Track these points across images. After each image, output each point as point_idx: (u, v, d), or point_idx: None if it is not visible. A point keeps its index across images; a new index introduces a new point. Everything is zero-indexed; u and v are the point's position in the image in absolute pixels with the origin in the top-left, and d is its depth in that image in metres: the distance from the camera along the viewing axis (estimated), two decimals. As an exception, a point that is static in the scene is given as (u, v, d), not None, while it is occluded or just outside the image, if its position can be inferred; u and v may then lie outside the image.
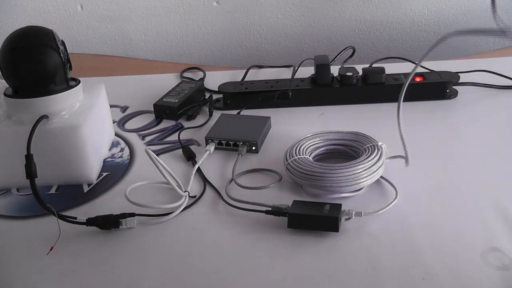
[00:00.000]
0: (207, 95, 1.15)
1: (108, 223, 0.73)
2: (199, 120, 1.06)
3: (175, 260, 0.68)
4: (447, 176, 0.81)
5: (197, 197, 0.80)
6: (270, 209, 0.73)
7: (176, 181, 0.82)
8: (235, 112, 1.05)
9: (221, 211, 0.77)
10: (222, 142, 0.92)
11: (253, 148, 0.91)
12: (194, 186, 0.83)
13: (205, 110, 1.10)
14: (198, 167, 0.87)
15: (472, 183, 0.78)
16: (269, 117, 0.99)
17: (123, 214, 0.73)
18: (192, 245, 0.71)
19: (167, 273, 0.66)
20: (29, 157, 0.74)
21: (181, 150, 0.94)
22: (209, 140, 0.93)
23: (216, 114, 1.04)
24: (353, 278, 0.63)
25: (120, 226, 0.73)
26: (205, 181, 0.84)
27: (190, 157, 0.90)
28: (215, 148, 0.93)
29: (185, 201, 0.78)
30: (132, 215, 0.74)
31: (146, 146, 0.97)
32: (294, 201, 0.74)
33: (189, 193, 0.80)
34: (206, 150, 0.91)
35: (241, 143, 0.91)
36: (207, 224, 0.75)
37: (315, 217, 0.70)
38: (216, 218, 0.76)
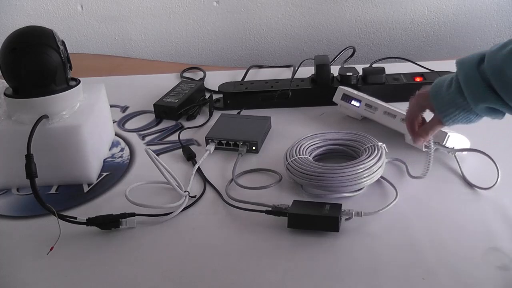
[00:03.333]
0: (207, 95, 1.15)
1: (108, 223, 0.73)
2: (199, 120, 1.06)
3: (175, 259, 0.68)
4: (446, 175, 0.81)
5: (197, 197, 0.80)
6: (270, 209, 0.73)
7: (176, 181, 0.82)
8: (235, 112, 1.05)
9: (221, 211, 0.77)
10: (222, 142, 0.92)
11: (253, 148, 0.91)
12: (194, 186, 0.83)
13: (205, 110, 1.09)
14: (198, 167, 0.87)
15: (470, 181, 0.79)
16: (269, 117, 0.99)
17: (123, 214, 0.73)
18: (192, 245, 0.71)
19: (167, 273, 0.66)
20: (29, 157, 0.74)
21: (181, 150, 0.94)
22: (209, 140, 0.93)
23: (216, 114, 1.04)
24: (353, 278, 0.63)
25: (120, 226, 0.73)
26: (205, 181, 0.84)
27: (190, 157, 0.90)
28: (215, 148, 0.92)
29: (185, 201, 0.78)
30: (132, 215, 0.74)
31: (146, 146, 0.97)
32: (294, 201, 0.74)
33: (189, 193, 0.80)
34: (206, 150, 0.91)
35: (241, 143, 0.91)
36: (207, 224, 0.75)
37: (315, 217, 0.70)
38: (216, 218, 0.76)
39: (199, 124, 1.04)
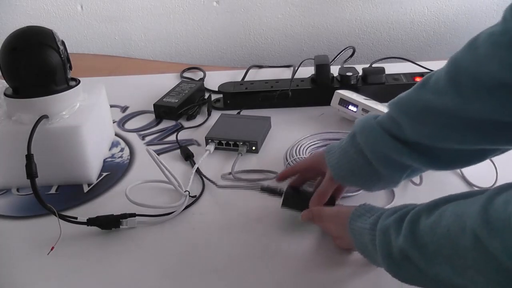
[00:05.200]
0: (207, 95, 1.15)
1: (109, 223, 0.73)
2: (200, 120, 1.06)
3: (175, 259, 0.68)
4: (445, 176, 0.81)
5: (196, 196, 0.80)
6: (265, 187, 0.74)
7: (177, 181, 0.82)
8: (235, 112, 1.05)
9: (217, 210, 0.77)
10: (222, 142, 0.92)
11: (253, 148, 0.91)
12: (193, 186, 0.83)
13: (204, 110, 1.09)
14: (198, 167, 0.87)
15: (471, 182, 0.79)
16: (269, 117, 0.99)
17: (124, 215, 0.73)
18: (192, 245, 0.71)
19: (167, 272, 0.66)
20: (29, 157, 0.74)
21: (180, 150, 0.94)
22: (209, 140, 0.93)
23: (216, 114, 1.04)
24: (353, 278, 0.63)
25: (121, 226, 0.73)
26: (203, 180, 0.84)
27: (188, 157, 0.90)
28: (215, 148, 0.93)
29: (185, 201, 0.78)
30: (133, 215, 0.73)
31: (147, 146, 0.97)
32: (289, 185, 0.75)
33: (189, 193, 0.80)
34: (206, 150, 0.91)
35: (241, 143, 0.91)
36: (206, 223, 0.75)
37: (310, 195, 0.70)
38: (214, 218, 0.76)
39: (198, 124, 1.04)
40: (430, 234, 0.48)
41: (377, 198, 0.76)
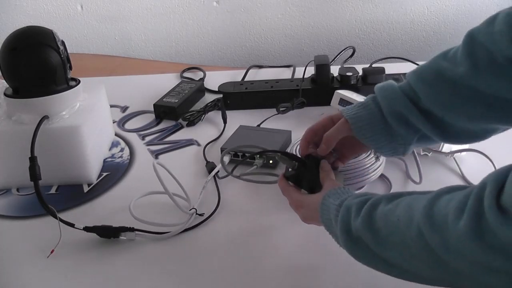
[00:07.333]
0: (206, 96, 1.15)
1: (107, 233, 0.71)
2: (202, 126, 1.04)
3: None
4: (446, 176, 0.81)
5: (207, 215, 0.75)
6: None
7: (186, 194, 0.78)
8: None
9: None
10: (239, 154, 0.86)
11: (270, 161, 0.85)
12: (202, 202, 0.78)
13: (209, 116, 1.06)
14: (213, 179, 0.83)
15: (470, 181, 0.79)
16: (289, 131, 0.94)
17: (122, 228, 0.70)
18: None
19: (166, 275, 0.66)
20: (33, 159, 0.74)
21: (178, 150, 0.94)
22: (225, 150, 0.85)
23: (217, 115, 1.04)
24: (353, 277, 0.63)
25: (119, 237, 0.71)
26: (219, 193, 0.80)
27: (212, 170, 0.85)
28: (230, 160, 0.86)
29: (189, 221, 0.73)
30: (132, 230, 0.71)
31: (155, 160, 0.94)
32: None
33: (196, 211, 0.75)
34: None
35: (258, 156, 0.84)
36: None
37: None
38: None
39: (217, 136, 0.99)
40: (384, 220, 0.50)
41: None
